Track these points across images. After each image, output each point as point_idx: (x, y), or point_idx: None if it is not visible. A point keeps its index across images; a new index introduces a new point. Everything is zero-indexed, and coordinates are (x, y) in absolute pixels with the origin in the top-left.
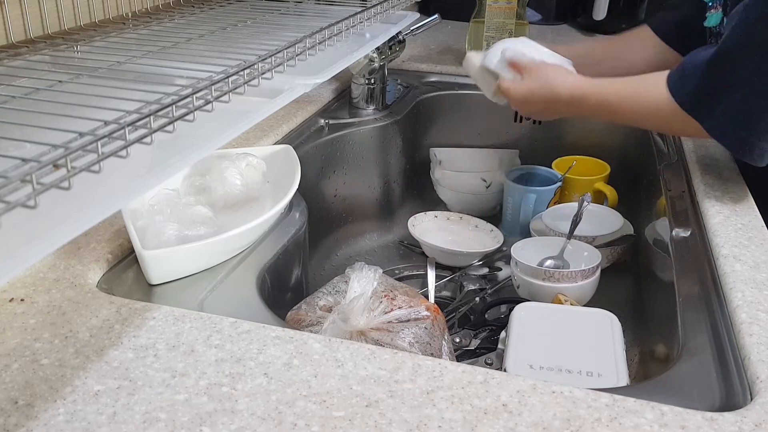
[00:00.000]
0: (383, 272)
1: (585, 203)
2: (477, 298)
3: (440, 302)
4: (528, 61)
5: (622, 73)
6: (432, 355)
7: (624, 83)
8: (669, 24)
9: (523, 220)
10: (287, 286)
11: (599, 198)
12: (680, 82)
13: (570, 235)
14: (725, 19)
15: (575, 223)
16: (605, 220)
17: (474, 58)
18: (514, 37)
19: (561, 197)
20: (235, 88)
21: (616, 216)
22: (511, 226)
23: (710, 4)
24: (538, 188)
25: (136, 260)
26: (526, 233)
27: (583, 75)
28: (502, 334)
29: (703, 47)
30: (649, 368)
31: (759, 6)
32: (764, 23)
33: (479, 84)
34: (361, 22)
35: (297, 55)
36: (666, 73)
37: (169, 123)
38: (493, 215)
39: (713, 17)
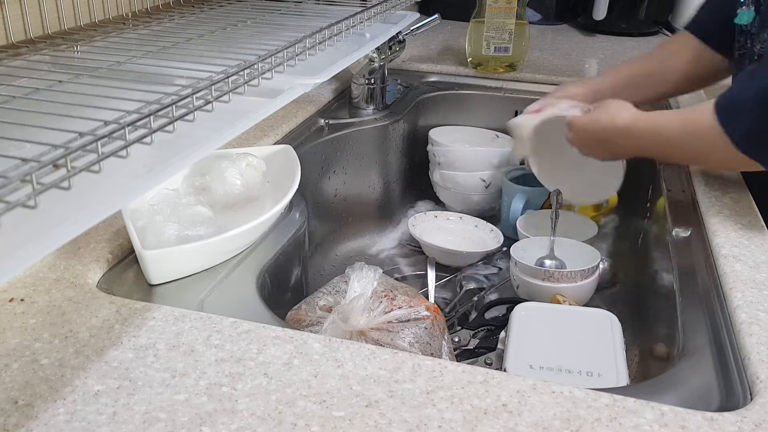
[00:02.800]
0: (383, 272)
1: (559, 198)
2: (476, 298)
3: (440, 302)
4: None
5: (663, 85)
6: (432, 355)
7: (675, 116)
8: (707, 23)
9: (512, 220)
10: (287, 286)
11: None
12: (733, 120)
13: (553, 233)
14: (757, 18)
15: (554, 220)
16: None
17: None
18: (514, 37)
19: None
20: (235, 88)
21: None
22: (507, 226)
23: (741, 0)
24: (528, 188)
25: (136, 260)
26: None
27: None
28: (502, 334)
29: (750, 71)
30: (649, 368)
31: None
32: None
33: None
34: (361, 22)
35: (297, 55)
36: (712, 108)
37: (169, 123)
38: (492, 215)
39: (744, 15)
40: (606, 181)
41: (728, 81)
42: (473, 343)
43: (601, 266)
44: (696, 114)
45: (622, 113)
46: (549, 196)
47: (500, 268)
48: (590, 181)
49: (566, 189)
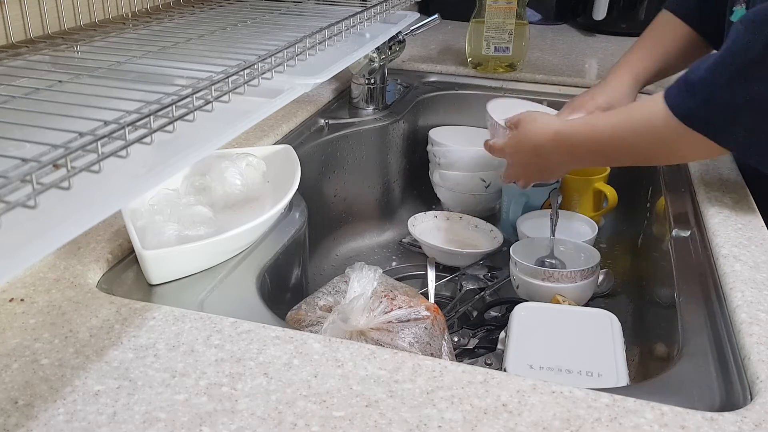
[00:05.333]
0: (383, 272)
1: (558, 198)
2: (476, 298)
3: (440, 302)
4: (518, 115)
5: (665, 72)
6: (432, 355)
7: (614, 113)
8: (688, 3)
9: (512, 220)
10: (287, 286)
11: (599, 198)
12: (683, 97)
13: (553, 233)
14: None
15: (554, 220)
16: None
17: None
18: (513, 37)
19: (563, 198)
20: (235, 88)
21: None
22: (507, 226)
23: None
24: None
25: (136, 260)
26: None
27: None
28: (502, 334)
29: (703, 59)
30: (649, 368)
31: None
32: None
33: None
34: (361, 22)
35: (297, 55)
36: (660, 94)
37: (169, 123)
38: (492, 215)
39: (738, 13)
40: None
41: None
42: (473, 343)
43: (599, 269)
44: (642, 109)
45: (549, 122)
46: (549, 196)
47: (500, 268)
48: None
49: None
